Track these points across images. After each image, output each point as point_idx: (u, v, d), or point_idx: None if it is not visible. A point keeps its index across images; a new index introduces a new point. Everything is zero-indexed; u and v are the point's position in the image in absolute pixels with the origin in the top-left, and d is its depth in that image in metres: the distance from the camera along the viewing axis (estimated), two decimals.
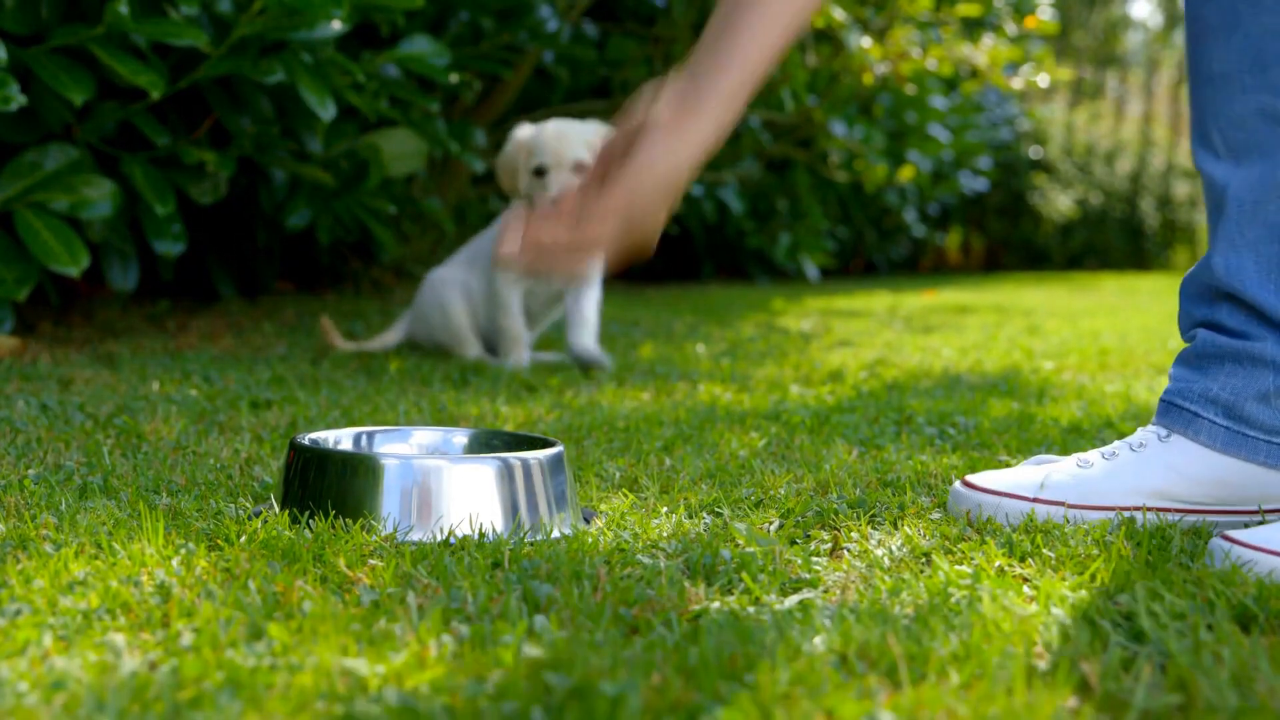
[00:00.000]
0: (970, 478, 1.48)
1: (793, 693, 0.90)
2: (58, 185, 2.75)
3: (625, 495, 1.54)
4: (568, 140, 2.66)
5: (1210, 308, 1.48)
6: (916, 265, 10.37)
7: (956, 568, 1.20)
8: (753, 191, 7.02)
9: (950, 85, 7.33)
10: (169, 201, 2.92)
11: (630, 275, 7.26)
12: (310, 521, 1.32)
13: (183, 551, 1.20)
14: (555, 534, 1.35)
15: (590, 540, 1.30)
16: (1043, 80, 6.72)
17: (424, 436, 1.57)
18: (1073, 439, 1.99)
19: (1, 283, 2.70)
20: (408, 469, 1.35)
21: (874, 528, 1.40)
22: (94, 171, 2.83)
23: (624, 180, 1.28)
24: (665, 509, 1.47)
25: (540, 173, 2.67)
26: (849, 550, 1.30)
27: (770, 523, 1.40)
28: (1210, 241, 1.48)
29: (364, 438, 1.55)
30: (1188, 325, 1.53)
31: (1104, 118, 12.87)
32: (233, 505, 1.42)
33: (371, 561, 1.20)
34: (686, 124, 1.30)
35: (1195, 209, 12.04)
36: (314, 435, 1.50)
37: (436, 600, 1.08)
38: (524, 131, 2.73)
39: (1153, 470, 1.45)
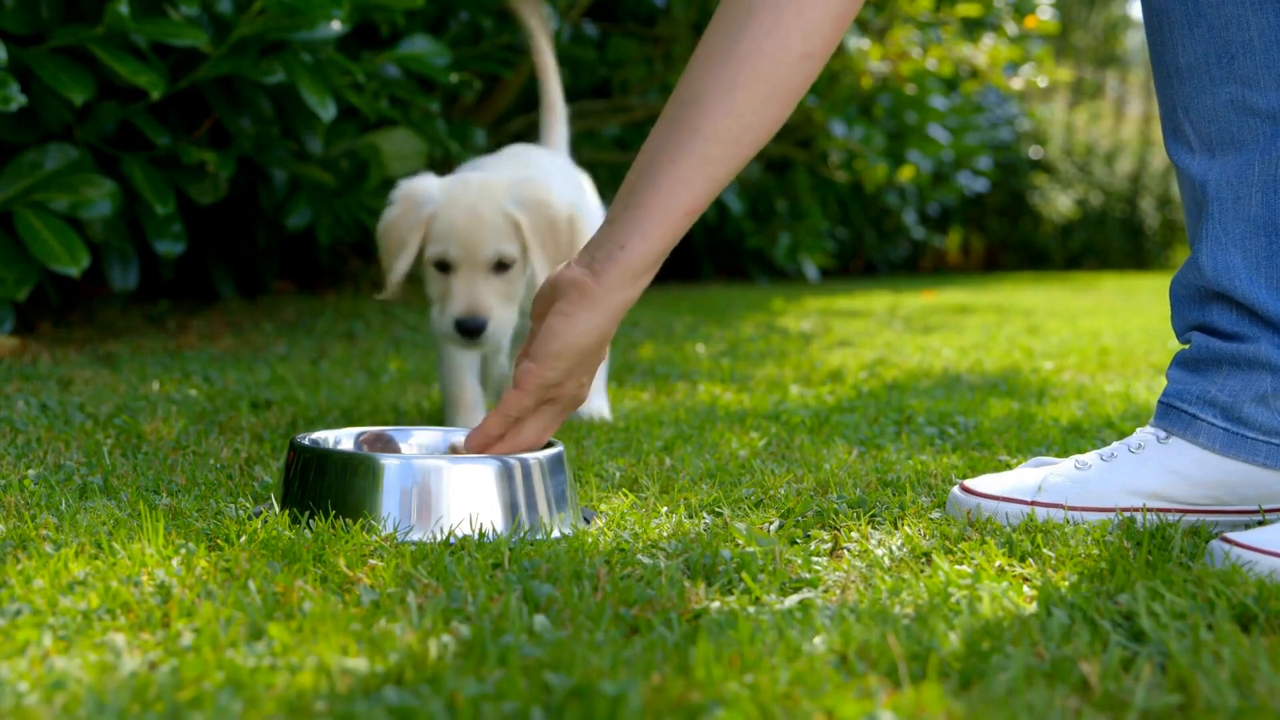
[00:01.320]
0: (968, 483, 1.48)
1: (793, 693, 0.90)
2: (58, 185, 2.75)
3: (625, 495, 1.54)
4: (485, 227, 1.78)
5: (1201, 309, 1.48)
6: (916, 265, 10.38)
7: (956, 568, 1.20)
8: (752, 192, 7.02)
9: (950, 85, 7.33)
10: (169, 201, 2.92)
11: None
12: (310, 521, 1.32)
13: (183, 551, 1.20)
14: (555, 534, 1.35)
15: (590, 540, 1.30)
16: (1043, 80, 6.73)
17: (424, 437, 1.57)
18: (1073, 439, 1.99)
19: (1, 283, 2.70)
20: (408, 469, 1.35)
21: (874, 528, 1.40)
22: (94, 171, 2.83)
23: (545, 361, 1.36)
24: (665, 509, 1.47)
25: (443, 267, 1.81)
26: (849, 550, 1.30)
27: (770, 523, 1.40)
28: (1193, 240, 1.48)
29: (364, 438, 1.55)
30: (1181, 328, 1.53)
31: (1104, 118, 12.87)
32: (233, 505, 1.42)
33: (371, 561, 1.20)
34: (605, 292, 1.35)
35: None
36: (314, 435, 1.50)
37: (436, 600, 1.08)
38: (421, 193, 1.83)
39: (1151, 472, 1.45)
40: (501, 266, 1.80)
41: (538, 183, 1.84)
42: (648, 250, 1.34)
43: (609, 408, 2.14)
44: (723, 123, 1.31)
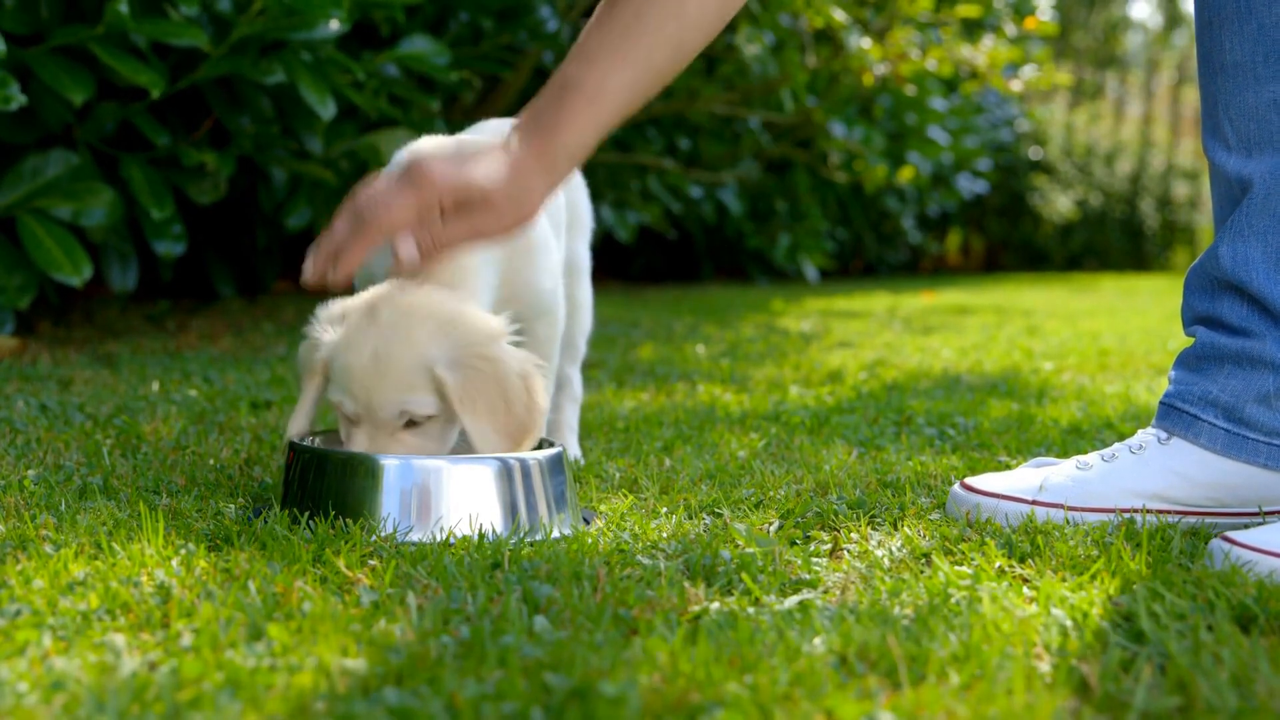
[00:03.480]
0: (969, 480, 1.48)
1: (793, 693, 0.90)
2: (60, 191, 2.75)
3: (625, 496, 1.54)
4: (389, 380, 1.37)
5: (1213, 300, 1.48)
6: (916, 266, 10.38)
7: (956, 568, 1.20)
8: (752, 192, 7.02)
9: (950, 86, 7.34)
10: (167, 205, 2.92)
11: (630, 275, 7.26)
12: (310, 522, 1.32)
13: (183, 552, 1.20)
14: (555, 535, 1.35)
15: (590, 541, 1.30)
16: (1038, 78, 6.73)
17: None
18: (1072, 440, 1.99)
19: (3, 291, 2.70)
20: (407, 469, 1.34)
21: (874, 528, 1.40)
22: (95, 178, 2.83)
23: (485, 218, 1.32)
24: (665, 510, 1.47)
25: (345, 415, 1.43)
26: (849, 551, 1.30)
27: (770, 523, 1.40)
28: (1216, 233, 1.48)
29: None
30: (1189, 319, 1.53)
31: (1104, 118, 12.88)
32: (233, 505, 1.41)
33: (371, 562, 1.20)
34: (539, 174, 1.33)
35: (1195, 210, 12.05)
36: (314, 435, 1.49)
37: (436, 600, 1.08)
38: (323, 331, 1.44)
39: (1152, 473, 1.45)
40: (414, 422, 1.40)
41: (481, 326, 1.40)
42: (585, 139, 1.34)
43: (579, 449, 1.85)
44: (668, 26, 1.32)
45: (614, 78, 1.31)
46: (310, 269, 1.33)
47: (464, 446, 1.44)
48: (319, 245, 1.33)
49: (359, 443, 1.39)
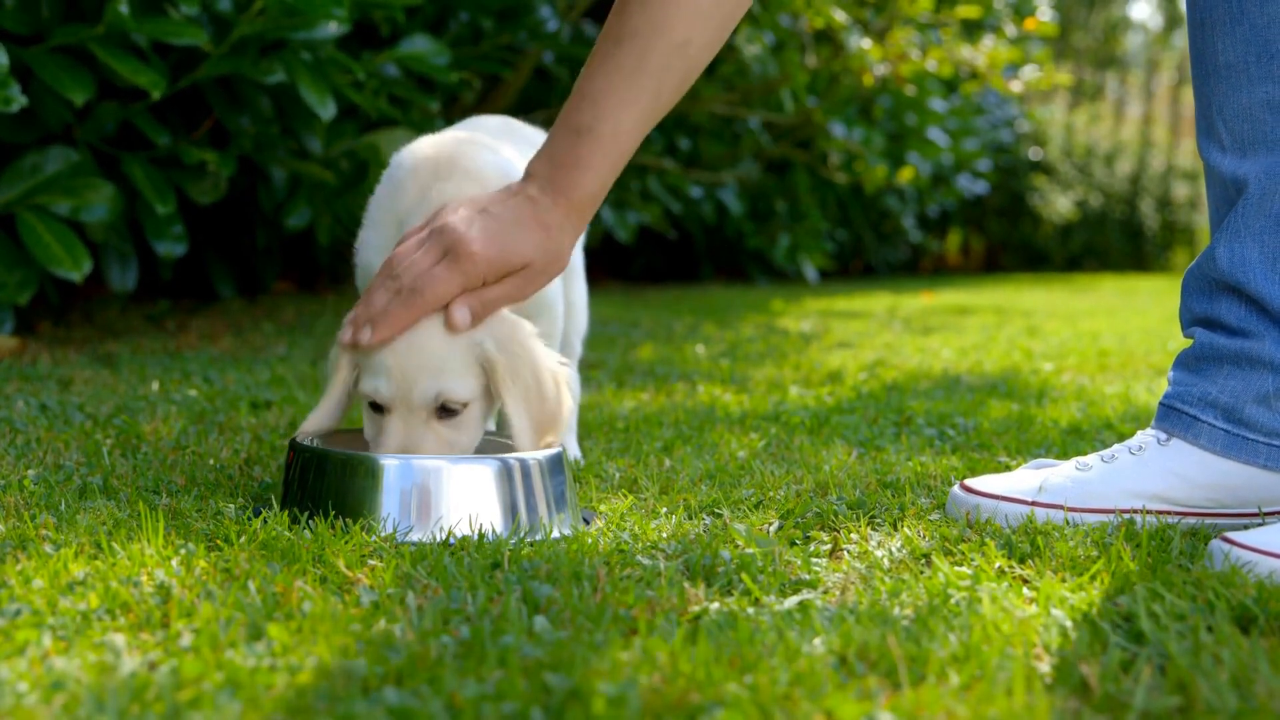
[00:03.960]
0: (968, 481, 1.48)
1: (792, 693, 0.90)
2: (59, 188, 2.75)
3: (625, 496, 1.54)
4: (428, 360, 1.37)
5: (1210, 302, 1.49)
6: (916, 267, 10.39)
7: (956, 569, 1.20)
8: (752, 192, 7.03)
9: (950, 87, 7.34)
10: (170, 201, 2.92)
11: (630, 276, 7.26)
12: (310, 522, 1.32)
13: (183, 552, 1.20)
14: (555, 535, 1.35)
15: (590, 541, 1.30)
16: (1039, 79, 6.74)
17: None
18: (1072, 440, 1.99)
19: (3, 287, 2.70)
20: (407, 469, 1.35)
21: (874, 529, 1.40)
22: (95, 174, 2.83)
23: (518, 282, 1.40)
24: (665, 510, 1.47)
25: (377, 406, 1.41)
26: (848, 551, 1.30)
27: (770, 524, 1.40)
28: (1213, 234, 1.49)
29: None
30: (1188, 320, 1.53)
31: (1103, 119, 12.88)
32: (233, 505, 1.42)
33: (371, 562, 1.20)
34: (570, 218, 1.39)
35: (1195, 210, 12.06)
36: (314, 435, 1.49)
37: (436, 601, 1.08)
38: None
39: (1152, 474, 1.45)
40: (448, 411, 1.39)
41: (512, 319, 1.44)
42: (602, 183, 1.40)
43: (579, 449, 1.82)
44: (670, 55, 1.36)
45: (627, 120, 1.37)
46: (348, 335, 1.39)
47: (483, 447, 1.46)
48: (356, 312, 1.39)
49: (392, 430, 1.39)
